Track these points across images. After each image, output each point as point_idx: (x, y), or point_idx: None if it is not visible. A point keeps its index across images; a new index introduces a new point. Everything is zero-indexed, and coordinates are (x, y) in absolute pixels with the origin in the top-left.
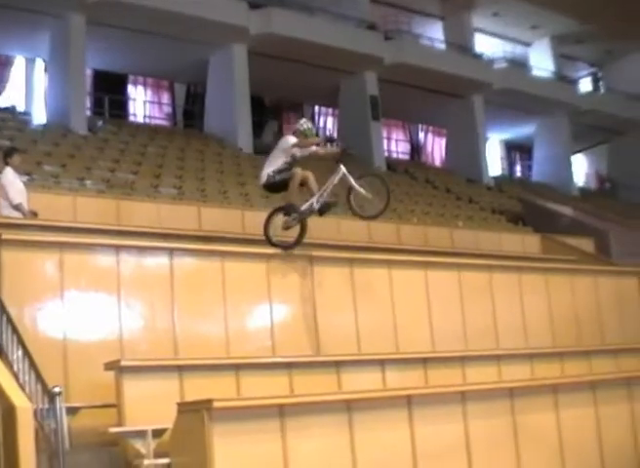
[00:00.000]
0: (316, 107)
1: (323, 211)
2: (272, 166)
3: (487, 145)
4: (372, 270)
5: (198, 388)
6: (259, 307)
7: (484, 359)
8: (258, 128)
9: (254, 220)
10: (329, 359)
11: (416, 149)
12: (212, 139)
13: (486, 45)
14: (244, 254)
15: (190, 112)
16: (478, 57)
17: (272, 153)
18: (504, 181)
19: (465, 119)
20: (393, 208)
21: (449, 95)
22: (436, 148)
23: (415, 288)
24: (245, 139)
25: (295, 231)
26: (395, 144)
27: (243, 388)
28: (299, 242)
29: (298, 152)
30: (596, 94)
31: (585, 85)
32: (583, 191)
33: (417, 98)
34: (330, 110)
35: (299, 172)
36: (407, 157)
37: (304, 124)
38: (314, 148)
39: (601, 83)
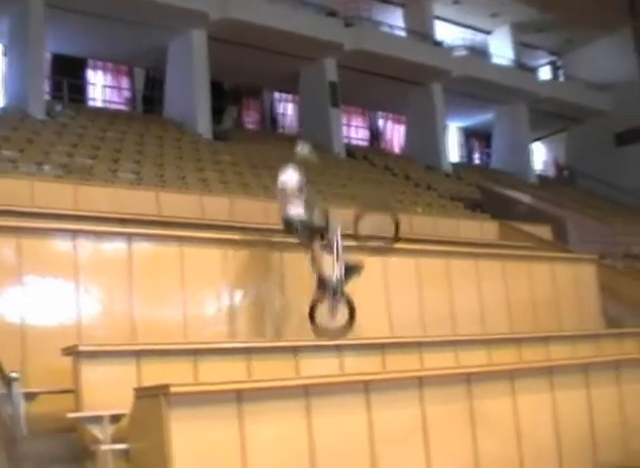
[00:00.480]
0: (276, 93)
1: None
2: (291, 206)
3: (446, 133)
4: None
5: (156, 373)
6: (217, 292)
7: (441, 345)
8: (217, 113)
9: (213, 206)
10: (287, 344)
11: (375, 136)
12: (171, 125)
13: (446, 33)
14: (203, 240)
15: (150, 97)
16: (438, 44)
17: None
18: (463, 169)
19: (425, 106)
20: (352, 194)
21: (408, 82)
22: (395, 135)
23: (373, 273)
24: (204, 125)
25: None
26: (355, 131)
27: (201, 373)
28: (352, 320)
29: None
30: (556, 82)
31: (545, 73)
32: (542, 179)
33: (376, 85)
34: (290, 96)
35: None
36: (366, 144)
37: (303, 149)
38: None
39: (561, 71)
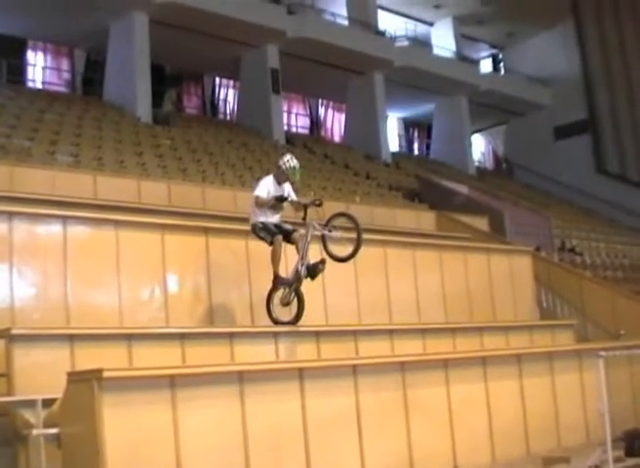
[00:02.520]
0: (217, 79)
1: (313, 274)
2: (258, 212)
3: (386, 122)
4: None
5: (90, 358)
6: (153, 277)
7: (377, 333)
8: (157, 97)
9: (150, 190)
10: (222, 330)
11: (315, 124)
12: (110, 108)
13: (389, 22)
14: (139, 224)
15: (90, 80)
16: (380, 34)
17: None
18: (402, 158)
19: (365, 95)
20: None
21: (350, 71)
22: (336, 124)
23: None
24: (144, 109)
25: None
26: (295, 118)
27: (135, 358)
28: (299, 315)
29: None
30: (496, 75)
31: (486, 66)
32: (480, 171)
33: (318, 73)
34: (231, 82)
35: (280, 240)
36: (306, 132)
37: (288, 162)
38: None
39: (501, 64)
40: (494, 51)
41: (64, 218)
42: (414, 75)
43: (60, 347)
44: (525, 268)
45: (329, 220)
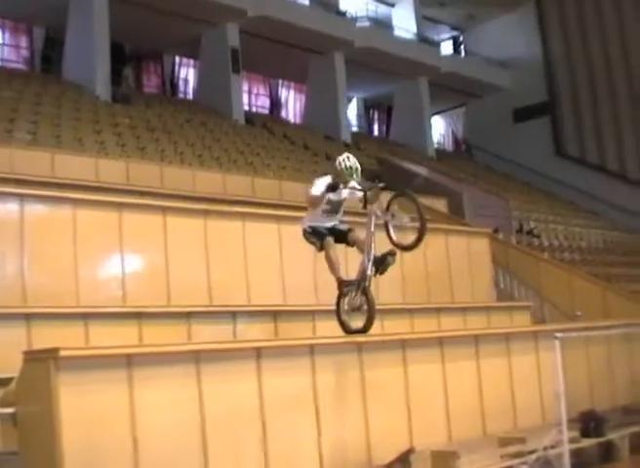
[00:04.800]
0: (177, 58)
1: (383, 269)
2: (309, 216)
3: (346, 103)
4: (226, 223)
5: (46, 337)
6: (110, 256)
7: (334, 313)
8: (117, 76)
9: (108, 169)
10: (179, 310)
11: (275, 104)
12: (69, 86)
13: (350, 3)
14: (97, 203)
15: (48, 57)
16: (341, 14)
17: None
18: (362, 139)
19: (326, 76)
20: (249, 161)
21: (311, 51)
22: (296, 104)
23: (268, 241)
24: (103, 87)
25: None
26: (255, 98)
27: (92, 337)
28: (370, 320)
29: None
30: (457, 57)
31: (447, 48)
32: (439, 152)
33: (278, 53)
34: (191, 61)
35: (330, 242)
36: (266, 112)
37: (344, 161)
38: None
39: (462, 47)
40: (454, 33)
41: (22, 197)
42: (374, 56)
43: (16, 326)
44: (483, 250)
45: (389, 204)
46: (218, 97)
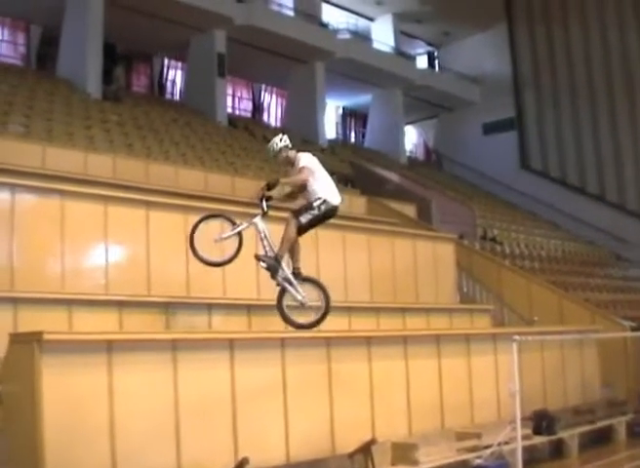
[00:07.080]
0: (166, 60)
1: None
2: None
3: (324, 110)
4: None
5: (32, 321)
6: (95, 247)
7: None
8: (108, 75)
9: (96, 163)
10: (159, 300)
11: (258, 108)
12: (62, 83)
13: (332, 16)
14: (84, 195)
15: (44, 55)
16: (324, 26)
17: None
18: (338, 145)
19: (307, 83)
20: (230, 161)
21: (293, 59)
22: (277, 109)
23: (244, 237)
24: (94, 85)
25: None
26: (239, 102)
27: (75, 323)
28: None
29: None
30: (431, 71)
31: (422, 62)
32: (411, 160)
33: (262, 60)
34: (179, 64)
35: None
36: (249, 115)
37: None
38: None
39: (436, 61)
40: (430, 48)
41: (13, 186)
42: (353, 67)
43: (3, 310)
44: (448, 254)
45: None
46: (203, 100)
